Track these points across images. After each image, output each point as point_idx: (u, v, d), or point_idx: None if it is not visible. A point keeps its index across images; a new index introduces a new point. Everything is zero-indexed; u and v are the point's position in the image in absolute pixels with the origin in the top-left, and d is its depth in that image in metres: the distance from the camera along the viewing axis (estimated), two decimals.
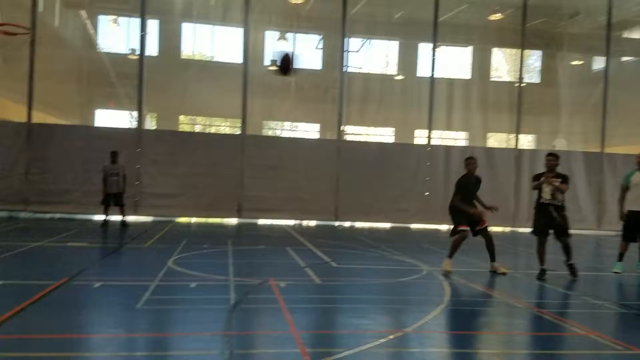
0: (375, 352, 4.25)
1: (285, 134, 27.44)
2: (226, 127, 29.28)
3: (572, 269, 7.78)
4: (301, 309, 5.61)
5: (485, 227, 8.01)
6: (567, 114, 19.90)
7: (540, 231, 7.79)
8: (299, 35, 25.04)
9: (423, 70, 20.83)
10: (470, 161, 8.27)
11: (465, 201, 8.03)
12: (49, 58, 16.80)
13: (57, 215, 15.17)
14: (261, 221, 16.28)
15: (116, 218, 13.01)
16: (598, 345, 4.64)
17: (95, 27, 23.98)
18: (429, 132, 17.63)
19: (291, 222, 16.17)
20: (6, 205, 14.86)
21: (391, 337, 4.64)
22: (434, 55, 17.81)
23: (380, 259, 9.32)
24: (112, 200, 12.76)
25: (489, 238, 8.04)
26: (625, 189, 8.61)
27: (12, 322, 4.54)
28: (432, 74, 17.74)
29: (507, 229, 16.52)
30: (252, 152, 16.13)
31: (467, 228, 7.93)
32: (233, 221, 16.05)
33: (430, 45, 17.95)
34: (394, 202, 16.47)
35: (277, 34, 23.99)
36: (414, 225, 16.82)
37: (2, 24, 9.76)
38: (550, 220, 7.68)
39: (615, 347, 4.54)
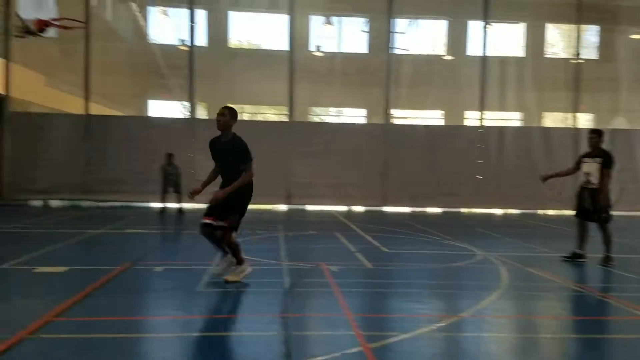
0: (431, 337, 4.24)
1: (331, 119, 27.40)
2: (272, 114, 29.58)
3: (606, 261, 7.22)
4: (354, 292, 5.64)
5: None
6: (627, 91, 18.94)
7: (576, 214, 7.51)
8: (344, 19, 24.82)
9: (473, 49, 20.28)
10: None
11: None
12: (103, 51, 17.37)
13: (116, 204, 15.81)
14: (309, 207, 16.42)
15: (173, 206, 13.44)
16: None
17: (145, 18, 24.63)
18: (481, 113, 17.19)
19: (339, 208, 16.23)
20: (68, 194, 15.61)
21: (446, 321, 4.60)
22: (485, 33, 17.29)
23: (432, 244, 9.23)
24: (170, 189, 13.30)
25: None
26: None
27: (79, 305, 4.79)
28: (484, 53, 17.24)
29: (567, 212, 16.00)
30: (300, 139, 16.23)
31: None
32: (282, 207, 16.26)
33: (481, 22, 17.43)
34: (444, 186, 16.21)
35: (322, 18, 23.86)
36: (465, 210, 16.52)
37: (59, 19, 10.16)
38: (581, 203, 7.35)
39: None
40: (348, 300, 5.18)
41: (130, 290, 5.52)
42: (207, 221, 5.66)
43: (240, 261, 5.74)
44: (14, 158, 15.35)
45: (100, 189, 15.64)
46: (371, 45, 24.54)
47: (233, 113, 5.86)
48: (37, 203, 15.63)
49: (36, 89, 17.42)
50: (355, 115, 27.60)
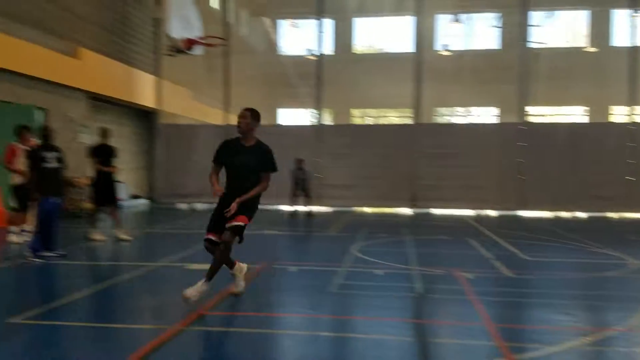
0: (580, 350, 3.90)
1: (458, 119, 26.49)
2: (395, 117, 29.40)
3: None
4: (493, 301, 5.38)
5: None
6: None
7: None
8: (474, 15, 23.92)
9: (619, 39, 18.41)
10: None
11: None
12: (239, 65, 18.56)
13: None
14: (436, 211, 16.02)
15: (302, 208, 13.95)
16: None
17: (276, 31, 25.94)
18: (631, 108, 15.51)
19: (469, 212, 15.63)
20: (211, 198, 16.84)
21: (596, 335, 4.20)
22: (632, 21, 15.59)
23: (578, 252, 8.50)
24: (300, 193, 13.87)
25: None
26: None
27: (225, 301, 5.14)
28: (632, 43, 15.56)
29: None
30: (426, 141, 15.91)
31: None
32: (407, 211, 16.06)
33: (628, 11, 15.75)
34: (589, 188, 14.83)
35: (449, 17, 23.25)
36: (614, 215, 14.99)
37: (204, 37, 11.08)
38: None
39: None
40: (487, 309, 4.96)
41: (270, 288, 5.81)
42: (211, 238, 5.16)
43: (232, 264, 5.29)
44: (165, 166, 17.00)
45: None
46: (504, 40, 23.36)
47: (256, 115, 5.22)
48: (184, 206, 17.14)
49: (183, 102, 19.16)
50: (485, 114, 26.43)
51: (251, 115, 5.11)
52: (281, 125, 23.51)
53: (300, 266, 6.95)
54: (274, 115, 28.67)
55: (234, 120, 19.76)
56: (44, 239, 7.10)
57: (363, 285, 5.90)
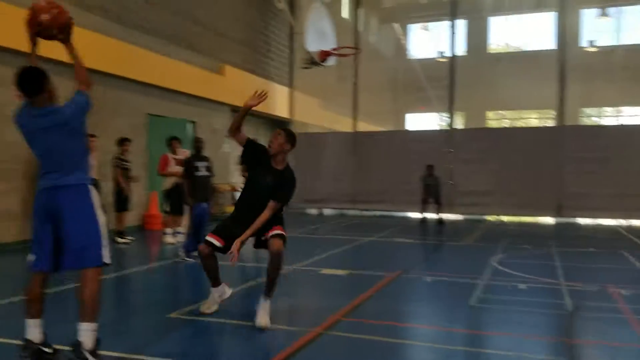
0: None
1: (607, 121, 24.14)
2: (536, 119, 27.54)
3: None
4: None
5: None
6: None
7: None
8: (624, 9, 21.72)
9: None
10: None
11: None
12: (368, 72, 18.74)
13: (379, 213, 16.82)
14: (582, 220, 14.69)
15: (432, 216, 13.64)
16: None
17: (406, 36, 25.77)
18: None
19: (620, 222, 14.11)
20: (338, 203, 17.28)
21: None
22: None
23: None
24: (431, 200, 13.59)
25: None
26: None
27: (360, 307, 5.19)
28: None
29: None
30: (573, 145, 14.65)
31: None
32: (549, 220, 14.93)
33: None
34: None
35: (596, 11, 21.34)
36: None
37: (338, 48, 11.36)
38: None
39: None
40: None
41: (404, 298, 5.75)
42: (213, 241, 4.58)
43: (219, 282, 4.84)
44: (297, 172, 17.63)
45: (365, 198, 16.85)
46: None
47: (291, 137, 4.63)
48: (313, 211, 17.69)
49: (313, 111, 19.83)
50: (638, 115, 23.79)
51: (285, 136, 4.58)
52: (410, 130, 23.23)
53: (435, 276, 6.78)
54: (402, 121, 28.49)
55: (362, 127, 20.05)
56: (195, 240, 7.76)
57: (505, 300, 5.58)
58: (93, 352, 3.30)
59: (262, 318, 4.38)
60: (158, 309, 5.08)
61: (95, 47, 10.16)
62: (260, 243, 4.64)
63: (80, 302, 3.36)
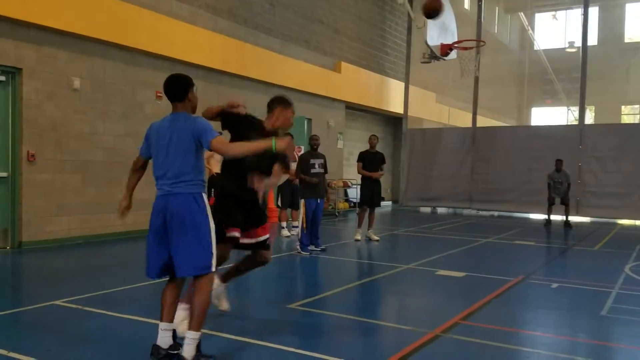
0: None
1: None
2: None
3: None
4: None
5: None
6: None
7: None
8: None
9: None
10: None
11: None
12: (489, 65, 17.92)
13: (496, 213, 16.04)
14: None
15: (558, 218, 12.73)
16: None
17: (532, 26, 24.24)
18: None
19: None
20: (453, 202, 16.72)
21: None
22: None
23: None
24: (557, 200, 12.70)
25: None
26: None
27: (479, 311, 5.00)
28: None
29: None
30: None
31: None
32: None
33: None
34: None
35: None
36: None
37: (460, 41, 11.00)
38: None
39: None
40: None
41: (527, 304, 5.45)
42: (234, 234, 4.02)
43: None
44: (410, 169, 17.43)
45: (483, 198, 16.14)
46: None
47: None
48: (426, 210, 17.33)
49: (429, 106, 19.41)
50: None
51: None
52: (534, 126, 21.83)
53: (561, 282, 6.33)
54: (527, 116, 26.89)
55: (483, 122, 19.31)
56: (309, 235, 8.00)
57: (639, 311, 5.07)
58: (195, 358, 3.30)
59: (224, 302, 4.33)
60: (278, 300, 5.30)
61: (221, 50, 10.83)
62: (245, 245, 4.17)
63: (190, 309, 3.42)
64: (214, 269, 3.39)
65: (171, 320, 3.44)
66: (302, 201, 8.03)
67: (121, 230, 8.90)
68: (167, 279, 3.51)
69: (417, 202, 17.38)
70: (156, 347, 3.39)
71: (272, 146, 3.28)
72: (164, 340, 3.39)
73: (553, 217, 12.92)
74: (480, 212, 16.37)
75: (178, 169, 3.35)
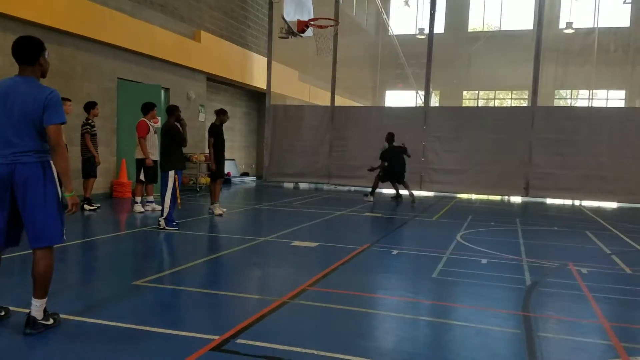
0: None
1: (581, 103, 24.59)
2: (510, 99, 27.84)
3: None
4: (609, 299, 4.99)
5: None
6: None
7: None
8: None
9: None
10: None
11: None
12: (347, 46, 18.58)
13: (353, 188, 16.93)
14: (550, 200, 15.08)
15: (405, 192, 13.75)
16: None
17: (387, 11, 25.53)
18: None
19: (586, 203, 14.53)
20: (314, 178, 17.30)
21: None
22: None
23: None
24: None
25: None
26: None
27: (326, 278, 5.27)
28: None
29: None
30: (543, 125, 14.96)
31: None
32: (518, 200, 15.28)
33: None
34: None
35: None
36: None
37: (316, 19, 11.24)
38: None
39: None
40: (602, 306, 4.61)
41: (370, 270, 5.86)
42: None
43: None
44: (273, 145, 17.60)
45: (340, 173, 16.91)
46: (635, 17, 21.15)
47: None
48: (289, 185, 17.70)
49: (291, 83, 19.65)
50: (613, 98, 24.28)
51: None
52: (387, 107, 23.24)
53: (401, 250, 6.91)
54: (381, 97, 28.46)
55: (339, 101, 19.91)
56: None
57: (467, 273, 5.73)
58: (43, 318, 3.43)
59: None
60: (125, 277, 5.08)
61: (64, 7, 9.83)
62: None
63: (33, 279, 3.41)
64: (65, 237, 3.46)
65: None
66: (171, 172, 7.56)
67: None
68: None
69: (280, 177, 17.65)
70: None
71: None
72: None
73: (401, 191, 13.92)
74: (338, 187, 17.12)
75: (21, 138, 3.21)
